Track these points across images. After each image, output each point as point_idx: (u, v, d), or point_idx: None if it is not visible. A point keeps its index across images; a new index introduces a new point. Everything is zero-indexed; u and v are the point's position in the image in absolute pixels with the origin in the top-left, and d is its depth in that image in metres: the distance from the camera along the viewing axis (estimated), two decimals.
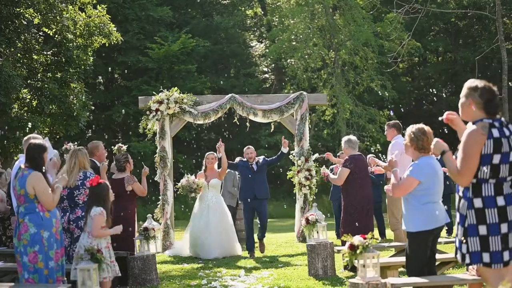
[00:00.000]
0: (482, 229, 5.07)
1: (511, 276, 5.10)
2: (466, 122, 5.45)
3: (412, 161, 6.47)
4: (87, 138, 26.25)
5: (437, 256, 7.81)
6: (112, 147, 11.64)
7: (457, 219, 5.26)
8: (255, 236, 11.48)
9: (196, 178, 11.53)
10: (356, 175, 9.50)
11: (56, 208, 6.75)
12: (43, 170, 6.57)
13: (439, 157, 6.09)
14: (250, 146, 11.77)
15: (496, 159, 5.05)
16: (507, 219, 5.05)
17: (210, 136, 28.29)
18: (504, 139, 5.08)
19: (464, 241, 5.16)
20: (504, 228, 5.04)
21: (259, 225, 11.48)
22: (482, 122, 5.10)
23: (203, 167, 11.74)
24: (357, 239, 6.26)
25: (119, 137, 28.20)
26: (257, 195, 11.16)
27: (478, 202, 5.09)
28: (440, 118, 5.61)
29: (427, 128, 6.34)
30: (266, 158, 11.62)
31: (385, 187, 6.74)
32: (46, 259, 6.49)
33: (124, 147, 11.47)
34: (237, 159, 13.14)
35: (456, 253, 5.39)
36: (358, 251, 6.18)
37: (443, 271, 8.15)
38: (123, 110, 25.42)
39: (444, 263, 8.11)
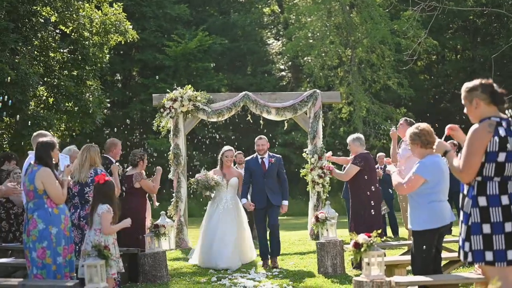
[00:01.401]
0: (486, 228, 5.09)
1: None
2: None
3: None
4: (105, 136, 26.54)
5: (446, 255, 7.86)
6: (128, 143, 11.62)
7: (461, 217, 5.30)
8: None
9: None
10: (364, 173, 9.49)
11: (66, 205, 6.85)
12: (52, 167, 6.68)
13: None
14: (263, 137, 10.45)
15: (502, 157, 5.08)
16: (511, 218, 5.06)
17: (227, 133, 28.36)
18: (511, 138, 5.10)
19: (467, 239, 5.17)
20: (508, 227, 5.06)
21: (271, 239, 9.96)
22: (490, 120, 5.12)
23: (219, 164, 10.49)
24: (361, 237, 6.33)
25: (136, 134, 28.40)
26: (271, 200, 9.77)
27: (482, 201, 5.11)
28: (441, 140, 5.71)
29: (422, 124, 6.47)
30: (281, 161, 10.21)
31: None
32: (54, 255, 6.59)
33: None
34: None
35: (459, 252, 5.41)
36: (362, 249, 6.25)
37: (450, 270, 8.17)
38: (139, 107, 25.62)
39: (453, 262, 8.12)
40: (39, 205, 6.63)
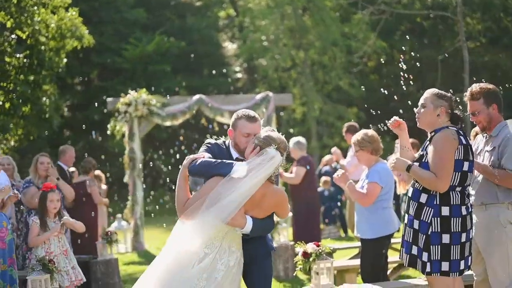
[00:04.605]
0: (446, 238, 5.04)
1: (457, 285, 5.23)
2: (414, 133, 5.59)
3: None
4: (64, 138, 26.58)
5: (395, 258, 7.62)
6: (87, 146, 11.87)
7: (414, 225, 5.18)
8: None
9: None
10: (309, 176, 9.92)
11: (4, 216, 6.79)
12: None
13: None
14: None
15: (466, 166, 5.10)
16: (466, 229, 5.09)
17: (187, 133, 28.43)
18: (469, 147, 5.16)
19: (426, 249, 5.10)
20: (463, 237, 5.07)
21: None
22: (449, 129, 5.13)
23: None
24: (310, 247, 6.22)
25: (97, 136, 28.42)
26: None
27: (445, 210, 5.06)
28: (388, 123, 5.53)
29: (370, 130, 6.54)
30: None
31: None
32: None
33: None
34: None
35: (401, 256, 5.36)
36: (311, 259, 6.15)
37: (400, 273, 8.21)
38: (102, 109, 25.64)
39: (402, 265, 7.88)
40: None
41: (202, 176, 4.86)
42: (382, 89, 20.41)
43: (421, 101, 5.29)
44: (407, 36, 26.03)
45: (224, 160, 4.73)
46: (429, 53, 24.11)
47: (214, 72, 27.33)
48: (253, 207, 4.66)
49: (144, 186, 14.19)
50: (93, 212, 10.10)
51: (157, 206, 20.26)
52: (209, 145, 4.99)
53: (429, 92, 5.27)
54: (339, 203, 14.48)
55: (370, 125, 8.47)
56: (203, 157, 4.76)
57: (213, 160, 4.74)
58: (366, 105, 25.48)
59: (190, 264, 4.51)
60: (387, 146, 7.47)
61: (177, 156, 15.96)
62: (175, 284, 4.48)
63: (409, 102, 7.95)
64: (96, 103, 25.65)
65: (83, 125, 26.59)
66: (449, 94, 5.26)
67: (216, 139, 5.08)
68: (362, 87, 24.74)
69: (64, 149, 10.15)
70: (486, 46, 24.86)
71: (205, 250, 4.54)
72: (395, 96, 22.05)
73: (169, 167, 22.87)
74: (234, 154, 4.95)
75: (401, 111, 9.12)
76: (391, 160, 5.39)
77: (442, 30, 25.85)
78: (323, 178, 14.63)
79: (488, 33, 24.14)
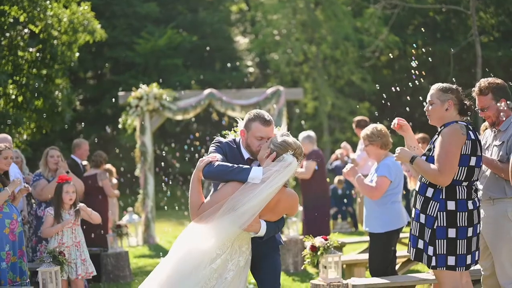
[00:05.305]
0: (452, 232, 5.06)
1: (465, 280, 5.26)
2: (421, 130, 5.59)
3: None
4: (77, 132, 26.74)
5: (404, 252, 7.78)
6: (101, 141, 11.94)
7: (420, 219, 5.21)
8: None
9: None
10: (319, 170, 9.90)
11: (15, 209, 6.78)
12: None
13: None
14: None
15: (473, 161, 5.10)
16: (473, 223, 5.11)
17: (199, 127, 28.52)
18: (478, 142, 5.15)
19: (431, 243, 5.12)
20: (470, 232, 5.09)
21: None
22: (458, 124, 5.13)
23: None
24: (318, 240, 6.28)
25: (109, 130, 28.56)
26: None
27: (451, 205, 5.07)
28: (392, 125, 5.57)
29: (379, 125, 6.55)
30: None
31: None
32: None
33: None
34: None
35: (409, 250, 5.38)
36: (319, 253, 6.21)
37: (409, 268, 8.21)
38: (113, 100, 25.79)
39: (410, 260, 7.75)
40: None
41: (217, 180, 4.87)
42: (393, 88, 20.35)
43: (428, 98, 5.29)
44: (422, 29, 25.88)
45: (241, 165, 4.71)
46: (442, 47, 24.00)
47: (226, 66, 27.38)
48: (267, 212, 4.74)
49: (166, 180, 14.20)
50: (109, 209, 10.21)
51: (176, 207, 20.24)
52: (219, 144, 4.99)
53: (434, 88, 5.25)
54: (345, 200, 14.46)
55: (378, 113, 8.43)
56: (217, 159, 4.75)
57: (229, 165, 4.71)
58: (378, 100, 25.49)
59: (202, 264, 4.56)
60: (397, 140, 7.45)
61: (191, 149, 16.00)
62: (185, 283, 4.53)
63: (420, 97, 7.93)
64: (108, 97, 25.83)
65: (96, 119, 26.79)
66: (454, 86, 5.24)
67: (224, 136, 5.11)
68: (377, 85, 24.66)
69: (78, 143, 10.26)
70: (499, 41, 24.64)
71: (216, 251, 4.62)
72: (406, 92, 21.98)
73: (186, 158, 22.95)
74: (246, 155, 4.98)
75: (407, 108, 9.12)
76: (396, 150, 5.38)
77: (455, 25, 25.67)
78: (337, 178, 14.52)
79: (501, 28, 23.94)
